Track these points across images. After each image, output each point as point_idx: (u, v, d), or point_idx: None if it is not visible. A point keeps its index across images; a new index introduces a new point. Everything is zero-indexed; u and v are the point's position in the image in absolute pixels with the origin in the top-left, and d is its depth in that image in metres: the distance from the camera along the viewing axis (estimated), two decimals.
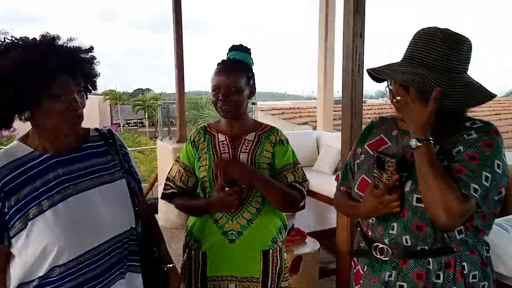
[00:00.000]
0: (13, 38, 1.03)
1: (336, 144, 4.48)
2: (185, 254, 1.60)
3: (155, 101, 15.19)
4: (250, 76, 1.55)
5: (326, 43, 5.50)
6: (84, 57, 1.11)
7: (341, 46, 2.23)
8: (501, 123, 9.26)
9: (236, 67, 1.51)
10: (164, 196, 1.64)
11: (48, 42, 1.05)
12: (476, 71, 1.19)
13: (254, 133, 1.58)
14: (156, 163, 6.05)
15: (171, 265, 1.37)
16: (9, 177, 1.02)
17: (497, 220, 2.14)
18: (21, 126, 1.09)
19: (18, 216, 1.01)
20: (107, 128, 1.30)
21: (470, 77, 1.11)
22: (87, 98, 1.21)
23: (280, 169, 1.56)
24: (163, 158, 5.03)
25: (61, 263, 1.03)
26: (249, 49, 1.59)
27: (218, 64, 1.55)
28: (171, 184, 1.61)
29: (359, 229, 1.32)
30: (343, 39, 2.18)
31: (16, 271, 1.05)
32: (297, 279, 2.42)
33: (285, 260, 1.60)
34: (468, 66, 1.11)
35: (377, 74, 1.16)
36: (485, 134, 1.06)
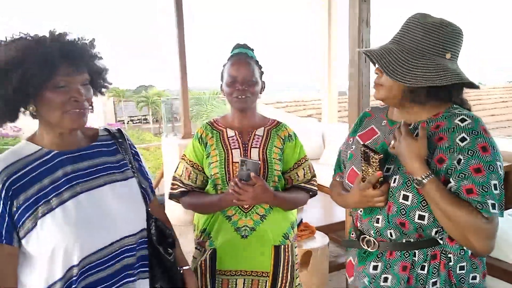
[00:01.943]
0: (21, 33, 1.02)
1: (342, 136, 4.43)
2: (196, 250, 1.60)
3: (159, 98, 15.18)
4: (262, 72, 1.57)
5: (329, 31, 5.45)
6: (88, 50, 1.09)
7: (344, 35, 2.19)
8: (508, 111, 9.14)
9: (250, 60, 1.52)
10: (172, 196, 1.61)
11: (53, 36, 1.04)
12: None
13: (263, 128, 1.57)
14: (161, 159, 6.05)
15: (186, 267, 1.35)
16: (16, 175, 1.00)
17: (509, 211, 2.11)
18: (27, 128, 1.06)
19: (27, 214, 0.99)
20: (116, 128, 1.28)
21: (450, 63, 1.08)
22: (103, 94, 1.20)
23: (291, 167, 1.58)
24: (169, 155, 5.02)
25: (75, 263, 1.01)
26: (253, 49, 1.60)
27: (231, 57, 1.55)
28: (179, 183, 1.59)
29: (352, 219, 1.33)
30: (348, 27, 2.13)
31: (31, 276, 1.02)
32: (307, 274, 2.39)
33: (296, 255, 1.59)
34: (448, 50, 1.08)
35: (362, 52, 1.18)
36: (477, 136, 1.04)
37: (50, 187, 1.02)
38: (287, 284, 1.54)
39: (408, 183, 1.07)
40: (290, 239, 1.56)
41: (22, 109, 1.04)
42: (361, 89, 2.16)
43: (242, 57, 1.53)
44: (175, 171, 1.62)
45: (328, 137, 5.21)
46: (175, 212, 4.29)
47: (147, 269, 1.17)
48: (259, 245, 1.50)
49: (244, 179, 1.40)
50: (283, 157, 1.55)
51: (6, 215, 0.98)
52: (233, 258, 1.51)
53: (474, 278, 1.12)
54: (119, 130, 1.25)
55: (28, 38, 1.01)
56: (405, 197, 1.07)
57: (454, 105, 1.14)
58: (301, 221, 2.59)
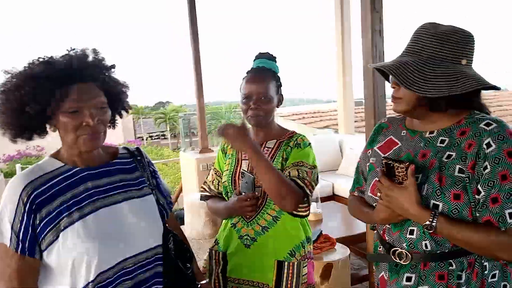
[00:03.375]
0: (44, 56, 1.06)
1: (359, 146, 4.39)
2: (207, 254, 1.64)
3: (176, 113, 15.39)
4: (279, 85, 1.57)
5: (343, 42, 5.45)
6: (104, 72, 1.12)
7: (359, 44, 2.20)
8: None
9: (266, 76, 1.52)
10: (201, 198, 1.74)
11: (65, 58, 1.07)
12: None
13: (275, 140, 1.56)
14: (180, 174, 6.11)
15: (204, 282, 1.35)
16: (40, 189, 1.04)
17: None
18: (49, 145, 1.10)
19: (49, 227, 1.02)
20: (135, 147, 1.31)
21: (468, 69, 1.08)
22: (121, 117, 1.23)
23: (288, 166, 1.47)
24: (187, 169, 5.07)
25: (92, 278, 1.02)
26: (275, 57, 1.60)
27: (248, 72, 1.56)
28: (206, 188, 1.70)
29: (375, 232, 1.29)
30: (361, 37, 2.14)
31: None
32: (329, 287, 2.36)
33: (304, 275, 1.53)
34: (463, 56, 1.08)
35: (375, 67, 1.17)
36: (502, 141, 1.02)
37: (71, 201, 1.05)
38: None
39: (438, 192, 1.05)
40: (297, 257, 1.51)
41: (42, 130, 1.09)
42: (377, 99, 2.15)
43: (258, 73, 1.53)
44: (206, 177, 1.73)
45: (345, 147, 5.17)
46: (194, 226, 4.31)
47: (161, 286, 1.17)
48: (261, 257, 1.49)
49: (245, 190, 1.48)
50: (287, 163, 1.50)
51: (30, 228, 1.01)
52: (239, 266, 1.53)
53: (505, 287, 1.10)
54: (137, 149, 1.29)
55: (35, 62, 1.05)
56: (436, 206, 1.05)
57: (475, 111, 1.13)
58: (320, 232, 2.56)
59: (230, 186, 1.56)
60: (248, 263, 1.51)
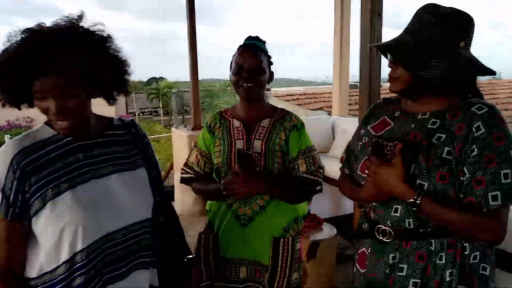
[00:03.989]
0: (20, 29, 1.01)
1: (352, 129, 4.41)
2: (198, 238, 1.62)
3: (169, 90, 15.23)
4: (270, 62, 1.57)
5: (341, 24, 5.40)
6: (95, 40, 1.07)
7: (357, 27, 2.18)
8: None
9: (258, 49, 1.53)
10: (182, 180, 1.67)
11: (43, 33, 1.01)
12: None
13: (269, 119, 1.56)
14: (171, 151, 6.10)
15: (191, 256, 1.37)
16: (31, 157, 1.03)
17: None
18: (39, 117, 1.09)
19: (37, 195, 1.02)
20: (130, 118, 1.29)
21: (465, 52, 1.09)
22: (124, 93, 1.19)
23: (295, 157, 1.54)
24: (179, 146, 5.05)
25: (80, 247, 1.03)
26: (265, 41, 1.60)
27: (240, 46, 1.55)
28: (189, 170, 1.64)
29: (362, 210, 1.33)
30: (360, 19, 2.13)
31: (38, 257, 1.05)
32: (314, 265, 2.41)
33: (297, 250, 1.58)
34: (462, 39, 1.09)
35: (374, 46, 1.17)
36: (492, 126, 1.04)
37: (61, 171, 1.05)
38: (285, 276, 1.54)
39: (424, 172, 1.07)
40: (291, 232, 1.55)
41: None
42: (373, 81, 2.15)
43: (250, 46, 1.53)
44: (187, 158, 1.66)
45: (338, 130, 5.20)
46: (184, 203, 4.34)
47: (150, 259, 1.19)
48: (258, 236, 1.51)
49: (241, 169, 1.43)
50: (289, 149, 1.53)
51: (20, 194, 1.02)
52: (234, 246, 1.54)
53: (484, 269, 1.13)
54: (132, 121, 1.28)
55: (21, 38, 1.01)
56: (421, 186, 1.07)
57: (469, 95, 1.15)
58: (308, 212, 2.60)
59: (225, 167, 1.53)
60: (244, 242, 1.52)
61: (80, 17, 1.07)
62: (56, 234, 1.02)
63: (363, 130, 1.32)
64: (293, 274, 1.56)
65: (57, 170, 1.05)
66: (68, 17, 1.06)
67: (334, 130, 5.29)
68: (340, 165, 1.43)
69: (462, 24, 1.09)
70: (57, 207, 1.02)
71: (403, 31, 1.13)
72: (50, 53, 0.99)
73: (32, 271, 1.06)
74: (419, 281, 1.11)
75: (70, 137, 1.09)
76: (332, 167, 4.65)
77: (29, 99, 1.05)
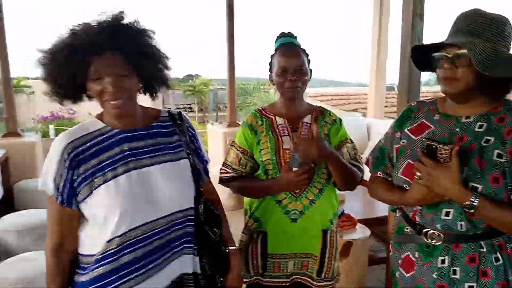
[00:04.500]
0: (78, 24, 1.11)
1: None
2: (244, 234, 1.66)
3: (205, 87, 15.44)
4: (309, 60, 1.60)
5: (380, 25, 5.34)
6: (138, 32, 1.15)
7: (396, 29, 2.18)
8: None
9: (299, 49, 1.56)
10: (222, 180, 1.66)
11: (96, 28, 1.10)
12: None
13: (310, 115, 1.60)
14: (206, 146, 6.23)
15: (233, 248, 1.39)
16: (81, 148, 1.12)
17: None
18: (81, 110, 1.18)
19: (84, 183, 1.11)
20: (177, 110, 1.35)
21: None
22: (167, 87, 1.26)
23: (335, 146, 1.59)
24: (214, 142, 5.16)
25: (120, 233, 1.10)
26: (296, 36, 1.62)
27: (279, 47, 1.58)
28: (228, 169, 1.63)
29: (399, 214, 1.32)
30: (401, 21, 2.13)
31: (89, 237, 1.15)
32: (347, 264, 2.43)
33: (338, 241, 1.65)
34: (510, 43, 1.11)
35: (427, 45, 1.16)
36: None
37: (107, 162, 1.12)
38: (332, 266, 1.60)
39: (478, 175, 1.07)
40: (334, 224, 1.61)
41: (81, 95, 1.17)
42: (412, 83, 2.14)
43: (291, 46, 1.56)
44: (226, 158, 1.67)
45: (373, 132, 5.13)
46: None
47: (191, 245, 1.24)
48: (309, 229, 1.56)
49: (297, 166, 1.44)
50: (330, 140, 1.58)
51: (68, 182, 1.10)
52: (283, 241, 1.57)
53: None
54: (179, 113, 1.32)
55: (63, 36, 1.10)
56: (474, 188, 1.07)
57: (509, 99, 1.15)
58: (342, 212, 2.62)
59: (275, 163, 1.54)
60: (293, 236, 1.56)
61: (122, 13, 1.14)
62: (100, 219, 1.11)
63: (399, 133, 1.31)
64: (335, 263, 1.62)
65: (104, 160, 1.13)
66: (111, 13, 1.13)
67: (370, 132, 5.23)
68: (368, 168, 1.42)
69: (508, 27, 1.11)
70: (101, 194, 1.10)
71: (453, 32, 1.14)
72: (104, 34, 1.08)
73: (84, 249, 1.16)
74: (474, 284, 1.11)
75: (118, 128, 1.17)
76: (367, 169, 4.62)
77: (80, 91, 1.15)
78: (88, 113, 8.53)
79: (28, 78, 11.48)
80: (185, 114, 1.35)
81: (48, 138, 7.45)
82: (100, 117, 1.20)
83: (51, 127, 9.58)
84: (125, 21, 1.13)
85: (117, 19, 1.12)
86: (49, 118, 11.57)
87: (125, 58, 1.11)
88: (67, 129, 1.19)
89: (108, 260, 1.11)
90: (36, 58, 1.12)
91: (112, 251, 1.11)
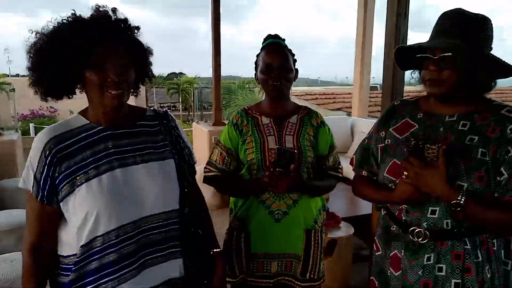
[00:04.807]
0: (72, 14, 1.08)
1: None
2: (227, 235, 1.65)
3: (189, 85, 15.33)
4: (295, 59, 1.60)
5: (364, 25, 5.38)
6: (130, 33, 1.14)
7: (381, 28, 2.19)
8: None
9: (285, 48, 1.56)
10: (206, 179, 1.65)
11: (93, 16, 1.09)
12: None
13: (296, 115, 1.60)
14: (191, 145, 6.18)
15: (217, 250, 1.36)
16: (63, 144, 1.08)
17: None
18: (62, 108, 1.14)
19: (66, 181, 1.07)
20: (164, 109, 1.32)
21: (493, 55, 1.12)
22: (143, 84, 1.24)
23: (325, 154, 1.62)
24: (199, 140, 5.13)
25: (101, 233, 1.07)
26: (284, 39, 1.62)
27: (266, 45, 1.58)
28: (212, 168, 1.62)
29: (384, 212, 1.32)
30: (386, 20, 2.14)
31: (68, 238, 1.11)
32: (331, 262, 2.44)
33: (322, 241, 1.64)
34: (491, 43, 1.12)
35: (411, 47, 1.16)
36: None
37: (90, 159, 1.09)
38: (316, 266, 1.59)
39: (464, 174, 1.09)
40: (318, 224, 1.61)
41: (72, 89, 1.12)
42: (396, 82, 2.16)
43: (276, 45, 1.56)
44: (210, 156, 1.66)
45: (357, 131, 5.18)
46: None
47: (178, 249, 1.20)
48: (292, 229, 1.55)
49: (280, 167, 1.41)
50: (318, 144, 1.59)
51: (49, 179, 1.07)
52: (267, 241, 1.56)
53: (505, 264, 1.15)
54: (165, 112, 1.30)
55: (65, 21, 1.07)
56: (460, 187, 1.09)
57: (490, 98, 1.17)
58: (327, 210, 2.62)
59: (260, 163, 1.53)
60: (276, 236, 1.55)
61: (114, 9, 1.12)
62: (80, 218, 1.07)
63: (383, 132, 1.32)
64: (321, 264, 1.62)
65: (87, 158, 1.09)
66: (104, 8, 1.11)
67: (353, 131, 5.28)
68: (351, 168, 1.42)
69: (489, 27, 1.12)
70: (83, 193, 1.06)
71: (437, 33, 1.14)
72: (106, 24, 1.06)
73: (63, 249, 1.12)
74: (459, 281, 1.12)
75: (102, 125, 1.13)
76: (351, 167, 4.66)
77: (72, 83, 1.10)
78: (69, 111, 8.37)
79: (7, 75, 11.19)
80: (171, 114, 1.32)
81: (28, 136, 7.28)
82: (83, 114, 1.16)
83: (31, 125, 9.37)
84: (121, 15, 1.12)
85: (114, 12, 1.11)
86: (29, 116, 11.33)
87: (126, 49, 1.10)
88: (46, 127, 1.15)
89: (93, 258, 1.08)
90: (29, 44, 1.07)
91: (96, 249, 1.08)
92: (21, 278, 1.14)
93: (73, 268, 1.08)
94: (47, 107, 11.69)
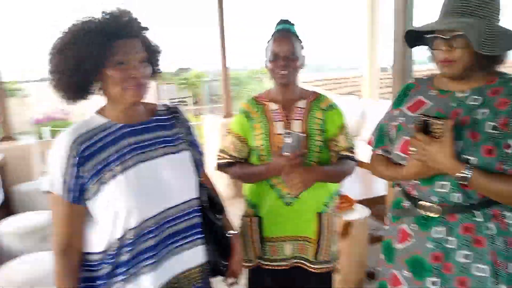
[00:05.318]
0: (77, 19, 1.10)
1: (383, 112, 4.37)
2: (241, 221, 1.69)
3: (198, 79, 15.37)
4: (302, 46, 1.61)
5: (372, 8, 5.32)
6: (143, 30, 1.17)
7: (389, 10, 2.18)
8: None
9: (292, 36, 1.57)
10: (219, 166, 1.69)
11: (108, 16, 1.11)
12: None
13: (304, 100, 1.62)
14: (202, 139, 6.23)
15: (234, 232, 1.43)
16: (87, 144, 1.11)
17: None
18: (75, 110, 1.16)
19: (94, 179, 1.10)
20: (173, 104, 1.37)
21: (502, 26, 1.12)
22: (155, 79, 1.28)
23: (332, 135, 1.61)
24: (211, 134, 5.16)
25: (133, 225, 1.12)
26: (294, 23, 1.63)
27: (274, 34, 1.59)
28: (225, 155, 1.67)
29: (396, 189, 1.35)
30: (394, 2, 2.13)
31: (97, 235, 1.15)
32: (348, 244, 2.46)
33: (335, 223, 1.66)
34: (499, 14, 1.12)
35: (421, 29, 1.16)
36: None
37: (115, 156, 1.13)
38: (329, 249, 1.62)
39: (472, 147, 1.10)
40: (330, 207, 1.63)
41: (92, 88, 1.15)
42: (406, 64, 2.15)
43: (284, 33, 1.57)
44: (222, 144, 1.71)
45: (369, 113, 5.15)
46: (217, 188, 4.45)
47: (202, 235, 1.27)
48: (303, 212, 1.58)
49: (289, 151, 1.44)
50: (326, 126, 1.59)
51: (78, 180, 1.09)
52: (278, 225, 1.60)
53: None
54: (176, 107, 1.34)
55: (82, 21, 1.09)
56: (468, 161, 1.10)
57: (504, 72, 1.17)
58: (340, 193, 2.64)
59: (268, 148, 1.57)
60: (288, 220, 1.58)
61: (128, 11, 1.14)
62: (111, 214, 1.11)
63: (397, 111, 1.33)
64: (333, 247, 1.64)
65: (111, 155, 1.13)
66: (116, 9, 1.14)
67: (365, 114, 5.24)
68: (370, 148, 1.44)
69: (496, 1, 1.11)
70: (111, 190, 1.10)
71: (447, 12, 1.13)
72: (124, 21, 1.10)
73: (91, 247, 1.16)
74: (470, 253, 1.14)
75: (121, 122, 1.17)
76: (363, 151, 4.65)
77: (92, 83, 1.13)
78: (81, 113, 8.48)
79: (17, 82, 11.39)
80: (179, 108, 1.36)
81: (42, 140, 7.42)
82: (100, 112, 1.19)
83: (45, 129, 9.54)
84: (133, 15, 1.15)
85: (127, 11, 1.14)
86: (43, 120, 11.54)
87: (142, 44, 1.13)
88: (61, 130, 1.17)
89: (126, 250, 1.12)
90: (49, 46, 1.09)
91: (129, 241, 1.12)
92: (45, 278, 1.16)
93: (109, 262, 1.12)
94: (60, 110, 11.89)
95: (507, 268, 1.13)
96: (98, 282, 1.15)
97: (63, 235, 1.13)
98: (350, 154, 1.63)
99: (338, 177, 1.61)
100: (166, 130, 1.25)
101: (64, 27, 1.09)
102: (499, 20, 1.12)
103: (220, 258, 1.35)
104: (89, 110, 1.22)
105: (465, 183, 1.08)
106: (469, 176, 1.07)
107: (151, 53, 1.20)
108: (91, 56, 1.06)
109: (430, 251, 1.19)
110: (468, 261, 1.14)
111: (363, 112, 5.27)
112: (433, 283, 1.19)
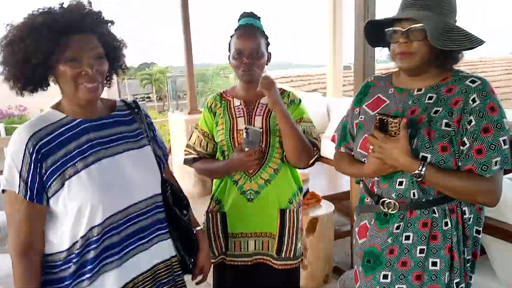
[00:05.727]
0: (43, 7, 1.07)
1: (347, 109, 4.47)
2: (205, 217, 1.68)
3: (162, 75, 15.09)
4: (268, 43, 1.59)
5: (335, 5, 5.40)
6: (102, 24, 1.14)
7: (351, 8, 2.21)
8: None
9: (257, 32, 1.54)
10: (186, 161, 1.71)
11: (63, 9, 1.07)
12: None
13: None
14: (167, 136, 6.13)
15: (199, 228, 1.43)
16: (45, 140, 1.07)
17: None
18: (32, 105, 1.12)
19: (54, 176, 1.06)
20: (132, 99, 1.34)
21: (459, 26, 1.15)
22: (118, 75, 1.25)
23: None
24: (176, 130, 5.10)
25: (97, 223, 1.09)
26: (259, 17, 1.61)
27: (237, 29, 1.57)
28: (191, 150, 1.68)
29: (361, 185, 1.37)
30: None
31: (58, 234, 1.11)
32: (314, 240, 2.50)
33: (300, 220, 1.66)
34: (456, 16, 1.16)
35: (380, 21, 1.19)
36: (486, 97, 1.10)
37: (75, 152, 1.09)
38: (292, 245, 1.63)
39: (427, 145, 1.13)
40: (294, 204, 1.63)
41: (46, 82, 1.11)
42: (367, 61, 2.19)
43: (248, 29, 1.54)
44: (189, 139, 1.71)
45: (333, 110, 5.24)
46: (184, 186, 4.39)
47: (166, 230, 1.26)
48: (265, 208, 1.58)
49: (248, 146, 1.49)
50: None
51: (37, 176, 1.05)
52: (242, 220, 1.60)
53: (477, 232, 1.22)
54: (134, 101, 1.32)
55: (34, 14, 1.05)
56: (424, 158, 1.13)
57: (458, 69, 1.21)
58: (307, 190, 2.68)
59: (229, 144, 1.58)
60: (251, 216, 1.58)
61: (89, 2, 1.12)
62: (75, 211, 1.07)
63: (358, 109, 1.35)
64: (298, 243, 1.65)
65: (71, 151, 1.09)
66: (77, 1, 1.10)
67: (329, 111, 5.33)
68: (334, 145, 1.46)
69: (453, 0, 1.15)
70: (74, 187, 1.07)
71: (406, 5, 1.16)
72: (80, 14, 1.06)
73: (52, 247, 1.11)
74: (425, 247, 1.18)
75: (79, 117, 1.13)
76: (329, 147, 4.73)
77: (46, 76, 1.09)
78: (39, 109, 8.09)
79: None
80: (138, 103, 1.34)
81: None
82: (57, 107, 1.15)
83: (1, 125, 9.06)
84: (86, 9, 1.11)
85: (87, 5, 1.11)
86: None
87: (99, 40, 1.09)
88: (18, 126, 1.12)
89: (91, 247, 1.09)
90: (2, 35, 1.04)
91: (94, 238, 1.09)
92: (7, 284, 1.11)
93: (73, 261, 1.09)
94: (16, 106, 11.32)
95: (462, 262, 1.18)
96: (62, 283, 1.10)
97: (22, 235, 1.07)
98: (311, 139, 1.57)
99: (296, 136, 1.48)
100: (126, 125, 1.23)
101: (16, 19, 1.05)
102: (455, 20, 1.16)
103: (186, 254, 1.34)
104: (46, 105, 1.17)
105: (420, 179, 1.12)
106: (423, 173, 1.10)
107: (110, 49, 1.16)
108: (39, 51, 1.02)
109: (388, 245, 1.23)
110: (424, 256, 1.18)
111: (328, 108, 5.36)
112: (384, 277, 1.23)
